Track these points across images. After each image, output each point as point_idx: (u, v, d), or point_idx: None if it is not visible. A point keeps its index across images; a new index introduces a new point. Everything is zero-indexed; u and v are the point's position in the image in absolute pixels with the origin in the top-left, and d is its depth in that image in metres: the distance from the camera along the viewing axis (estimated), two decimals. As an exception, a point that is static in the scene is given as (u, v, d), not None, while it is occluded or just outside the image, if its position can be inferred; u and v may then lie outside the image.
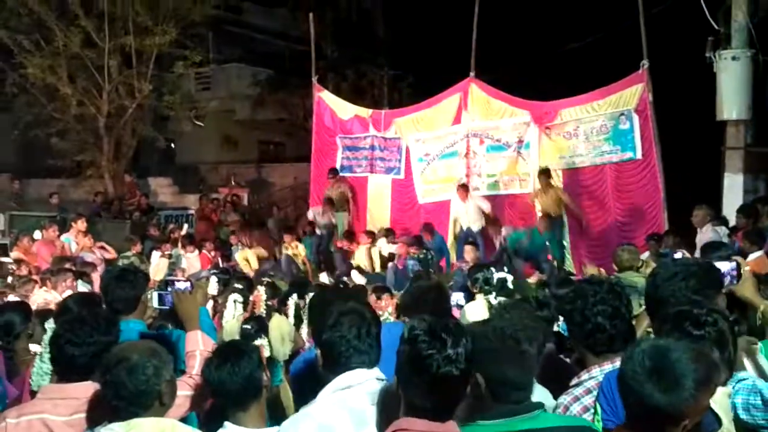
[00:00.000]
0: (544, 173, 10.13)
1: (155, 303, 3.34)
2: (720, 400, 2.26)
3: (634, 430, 1.90)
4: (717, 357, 1.95)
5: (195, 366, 2.93)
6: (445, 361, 1.98)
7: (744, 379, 2.32)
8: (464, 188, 10.87)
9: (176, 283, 3.62)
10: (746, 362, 2.64)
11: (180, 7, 15.02)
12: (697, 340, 2.27)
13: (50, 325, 3.77)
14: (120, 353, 2.40)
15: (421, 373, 2.00)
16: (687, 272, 2.67)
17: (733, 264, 3.00)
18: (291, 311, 5.69)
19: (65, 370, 2.72)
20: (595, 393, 2.41)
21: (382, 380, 2.34)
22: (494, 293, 6.03)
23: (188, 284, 3.57)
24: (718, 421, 2.24)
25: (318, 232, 12.07)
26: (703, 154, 11.00)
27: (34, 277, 7.81)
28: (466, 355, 2.02)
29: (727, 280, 2.95)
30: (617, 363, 2.57)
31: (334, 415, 2.25)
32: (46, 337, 3.57)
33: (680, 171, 9.81)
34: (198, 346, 3.02)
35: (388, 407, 2.22)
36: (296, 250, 11.33)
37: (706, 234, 8.68)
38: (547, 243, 9.95)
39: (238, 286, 5.03)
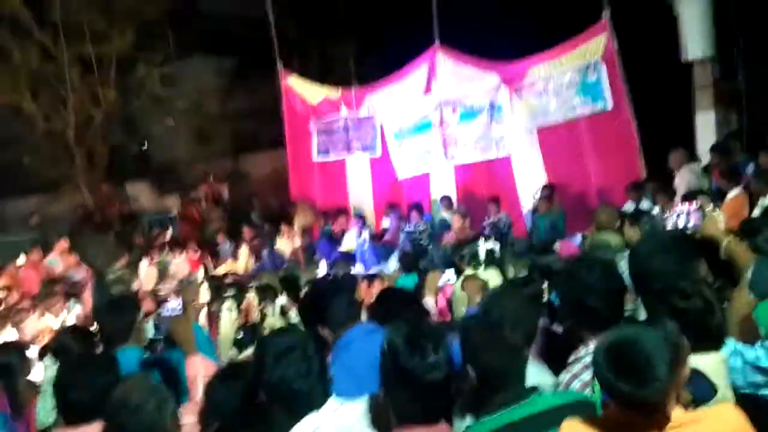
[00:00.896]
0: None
1: (151, 332, 3.37)
2: (713, 367, 2.33)
3: (620, 414, 1.96)
4: (681, 338, 1.99)
5: (199, 392, 2.98)
6: (427, 369, 2.02)
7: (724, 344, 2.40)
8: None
9: (167, 304, 3.66)
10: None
11: (134, 8, 14.72)
12: (683, 312, 2.36)
13: (47, 362, 3.80)
14: (121, 395, 2.43)
15: (406, 383, 2.04)
16: (664, 246, 2.73)
17: (694, 205, 3.11)
18: (276, 311, 5.69)
19: (71, 415, 2.76)
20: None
21: (341, 405, 2.27)
22: (482, 266, 6.12)
23: (179, 303, 3.61)
24: (713, 388, 2.30)
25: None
26: (673, 96, 11.05)
27: (25, 305, 7.79)
28: (447, 357, 2.07)
29: (684, 219, 3.06)
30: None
31: None
32: (48, 375, 3.61)
33: (652, 115, 9.85)
34: (199, 371, 3.06)
35: (378, 420, 2.23)
36: (292, 239, 11.28)
37: (683, 176, 8.80)
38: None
39: (229, 293, 5.04)
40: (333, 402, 2.23)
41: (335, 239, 11.08)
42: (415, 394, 2.05)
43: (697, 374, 2.28)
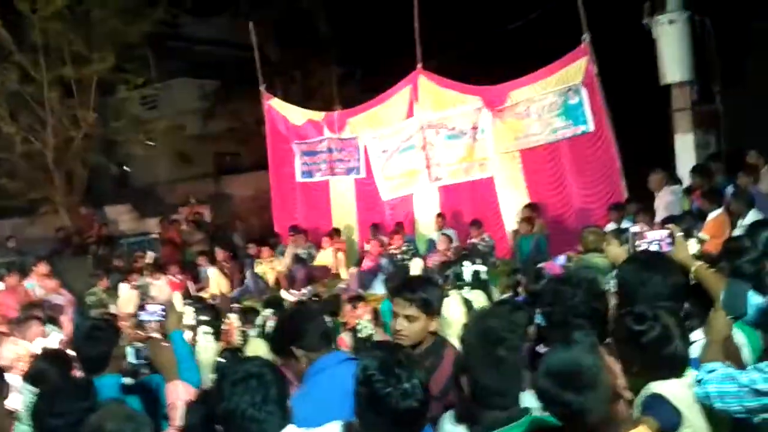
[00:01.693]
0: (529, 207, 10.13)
1: (131, 358, 3.30)
2: (676, 393, 2.33)
3: None
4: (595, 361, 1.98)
5: (177, 418, 2.93)
6: (403, 396, 2.01)
7: (713, 370, 2.37)
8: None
9: (148, 307, 3.60)
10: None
11: (115, 31, 14.67)
12: (638, 335, 2.40)
13: (24, 388, 3.71)
14: (95, 423, 2.37)
15: (381, 412, 2.02)
16: (649, 273, 2.75)
17: (665, 232, 3.15)
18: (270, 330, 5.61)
19: (49, 443, 2.70)
20: None
21: None
22: (467, 287, 6.09)
23: (161, 308, 3.56)
24: (678, 414, 2.29)
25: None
26: (653, 118, 11.22)
27: (2, 328, 7.61)
28: (422, 384, 2.06)
29: (655, 247, 3.11)
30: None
31: None
32: (25, 399, 3.52)
33: (632, 138, 9.98)
34: (179, 396, 3.01)
35: None
36: (272, 264, 11.21)
37: (663, 197, 8.89)
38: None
39: (205, 318, 4.93)
40: (292, 430, 2.18)
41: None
42: (390, 422, 2.03)
43: (658, 400, 2.30)
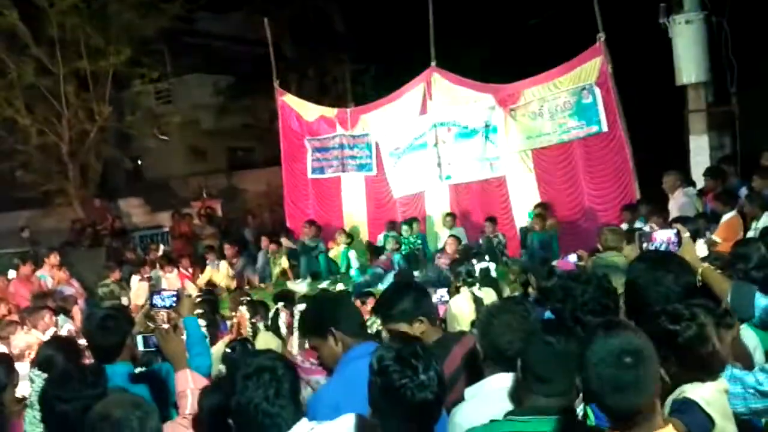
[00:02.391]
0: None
1: (140, 346, 3.32)
2: (712, 398, 2.23)
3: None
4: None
5: (187, 406, 2.95)
6: (419, 388, 1.99)
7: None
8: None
9: (162, 292, 3.62)
10: None
11: (131, 25, 14.78)
12: (673, 334, 2.27)
13: (35, 372, 3.74)
14: (102, 410, 2.37)
15: (397, 403, 2.00)
16: (661, 272, 2.69)
17: (673, 231, 3.10)
18: (282, 322, 5.66)
19: (57, 428, 2.71)
20: None
21: (312, 427, 2.21)
22: (477, 284, 6.09)
23: (174, 293, 3.58)
24: (711, 421, 2.21)
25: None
26: (667, 119, 11.14)
27: (14, 317, 7.70)
28: (438, 376, 2.04)
29: (664, 248, 3.06)
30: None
31: None
32: (35, 385, 3.55)
33: (646, 138, 9.92)
34: (188, 385, 3.02)
35: None
36: (279, 260, 11.25)
37: (677, 199, 8.82)
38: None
39: (199, 310, 4.93)
40: (304, 424, 2.17)
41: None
42: (406, 414, 2.01)
43: (690, 405, 2.20)
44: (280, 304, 6.26)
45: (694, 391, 2.22)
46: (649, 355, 1.84)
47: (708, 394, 2.22)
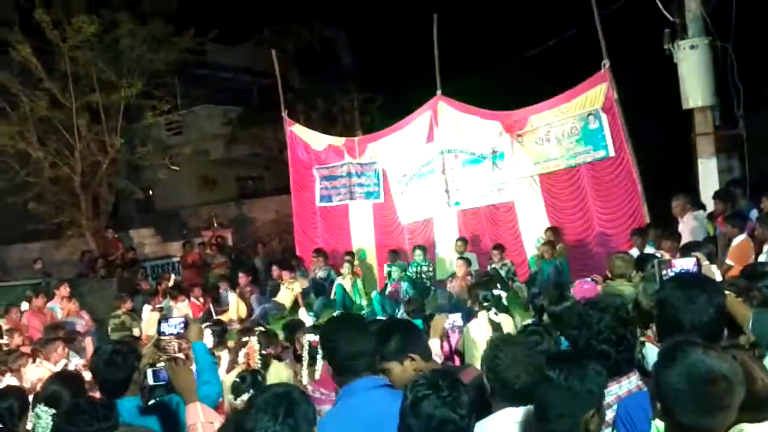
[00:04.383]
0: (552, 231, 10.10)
1: (150, 380, 3.33)
2: None
3: None
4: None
5: (198, 439, 2.95)
6: (441, 402, 2.06)
7: None
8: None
9: (170, 319, 3.63)
10: None
11: (143, 59, 15.02)
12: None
13: (42, 408, 3.74)
14: None
15: (418, 415, 2.07)
16: (695, 291, 2.66)
17: (693, 260, 3.10)
18: (305, 352, 5.62)
19: (69, 461, 2.72)
20: (611, 409, 2.47)
21: None
22: (494, 309, 6.07)
23: (182, 320, 3.60)
24: None
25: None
26: (675, 143, 11.14)
27: (26, 350, 7.72)
28: (466, 401, 2.09)
29: None
30: (623, 383, 2.61)
31: None
32: (41, 422, 3.56)
33: (656, 163, 9.91)
34: (198, 418, 3.03)
35: None
36: (291, 286, 11.24)
37: (687, 223, 8.79)
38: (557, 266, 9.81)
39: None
40: None
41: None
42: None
43: None
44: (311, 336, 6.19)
45: (754, 430, 2.13)
46: (740, 381, 1.84)
47: None
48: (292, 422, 2.14)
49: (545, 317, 5.49)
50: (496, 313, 5.91)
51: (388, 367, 2.79)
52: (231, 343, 6.46)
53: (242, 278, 11.87)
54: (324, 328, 3.20)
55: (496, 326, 5.58)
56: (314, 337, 5.03)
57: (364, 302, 10.90)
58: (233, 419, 2.93)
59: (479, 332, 5.54)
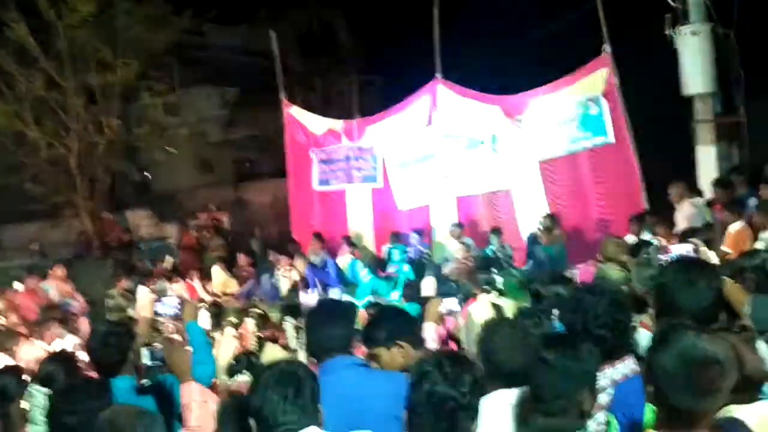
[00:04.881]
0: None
1: (146, 359, 3.33)
2: (760, 421, 2.13)
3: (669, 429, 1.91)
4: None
5: (191, 419, 2.96)
6: (443, 378, 2.07)
7: None
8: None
9: (164, 300, 3.64)
10: None
11: (140, 39, 14.88)
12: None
13: (35, 387, 3.74)
14: (108, 418, 2.40)
15: (440, 413, 2.06)
16: (695, 275, 2.67)
17: (689, 246, 3.10)
18: (289, 334, 5.67)
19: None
20: (606, 393, 2.47)
21: None
22: (496, 293, 6.12)
23: (177, 301, 3.61)
24: None
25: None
26: (675, 130, 11.11)
27: (20, 329, 7.71)
28: (471, 379, 2.10)
29: None
30: (618, 366, 2.61)
31: None
32: (35, 401, 3.56)
33: (654, 149, 9.90)
34: (193, 397, 3.03)
35: None
36: (289, 273, 11.22)
37: (684, 209, 8.80)
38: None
39: (229, 320, 4.97)
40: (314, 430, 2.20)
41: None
42: (430, 410, 2.07)
43: (736, 425, 2.10)
44: (289, 319, 6.25)
45: (742, 411, 2.16)
46: (732, 365, 1.86)
47: (756, 418, 2.15)
48: (300, 402, 2.16)
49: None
50: (498, 296, 5.96)
51: (376, 353, 2.81)
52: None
53: (241, 258, 11.84)
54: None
55: (498, 309, 5.60)
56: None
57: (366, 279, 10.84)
58: (235, 399, 2.93)
59: (479, 314, 5.55)
